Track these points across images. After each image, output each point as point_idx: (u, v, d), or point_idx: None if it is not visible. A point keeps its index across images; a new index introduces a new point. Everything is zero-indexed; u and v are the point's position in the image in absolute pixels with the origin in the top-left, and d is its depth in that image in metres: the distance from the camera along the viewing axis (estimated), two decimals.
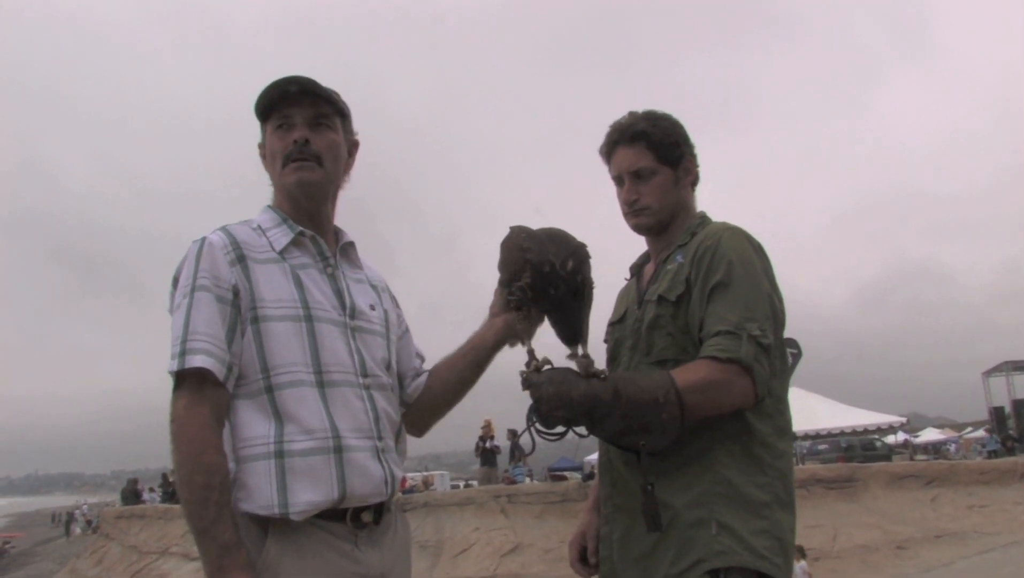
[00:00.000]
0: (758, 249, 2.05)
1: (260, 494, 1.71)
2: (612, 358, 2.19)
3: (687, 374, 1.88)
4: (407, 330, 2.15)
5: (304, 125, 1.90)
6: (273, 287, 1.82)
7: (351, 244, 2.04)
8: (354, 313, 1.92)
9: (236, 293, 1.78)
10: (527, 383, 1.82)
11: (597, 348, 1.98)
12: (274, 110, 1.92)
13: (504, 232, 2.02)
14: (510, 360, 1.89)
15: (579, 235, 1.99)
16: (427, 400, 2.11)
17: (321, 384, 1.80)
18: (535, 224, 1.99)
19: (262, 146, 1.98)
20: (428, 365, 2.18)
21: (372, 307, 1.99)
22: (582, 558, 2.19)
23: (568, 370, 1.83)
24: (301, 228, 1.91)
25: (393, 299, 2.14)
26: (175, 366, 1.71)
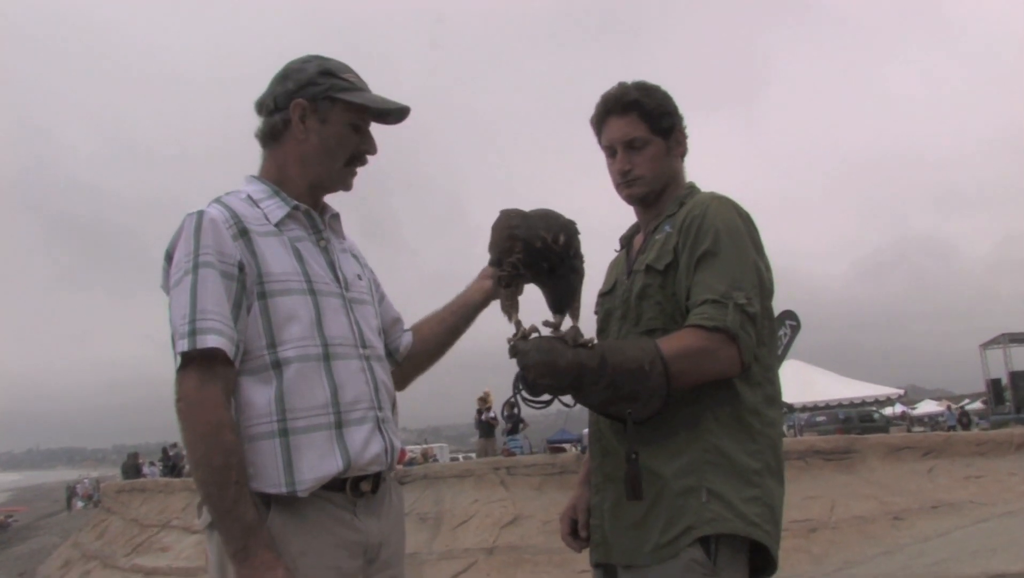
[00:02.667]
0: (745, 218, 2.04)
1: (267, 474, 1.72)
2: (602, 328, 2.19)
3: (673, 342, 1.88)
4: (384, 295, 2.17)
5: (371, 135, 1.97)
6: (278, 260, 1.82)
7: (336, 216, 2.04)
8: (347, 285, 1.93)
9: (242, 268, 1.76)
10: (514, 351, 1.82)
11: (587, 319, 1.98)
12: (362, 109, 1.93)
13: (507, 207, 2.01)
14: (511, 330, 1.90)
15: (575, 207, 1.98)
16: (414, 355, 2.17)
17: (327, 357, 1.80)
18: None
19: (310, 107, 1.90)
20: (409, 322, 2.23)
21: (359, 277, 2.00)
22: (573, 531, 2.20)
23: (555, 339, 1.83)
24: (296, 202, 1.90)
25: (368, 267, 2.14)
26: (185, 346, 1.68)
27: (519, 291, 1.97)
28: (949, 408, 33.60)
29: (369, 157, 1.99)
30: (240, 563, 1.61)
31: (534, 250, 1.86)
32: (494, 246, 1.93)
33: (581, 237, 1.90)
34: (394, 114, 1.96)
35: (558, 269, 1.89)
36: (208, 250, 1.74)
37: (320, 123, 1.90)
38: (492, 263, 1.96)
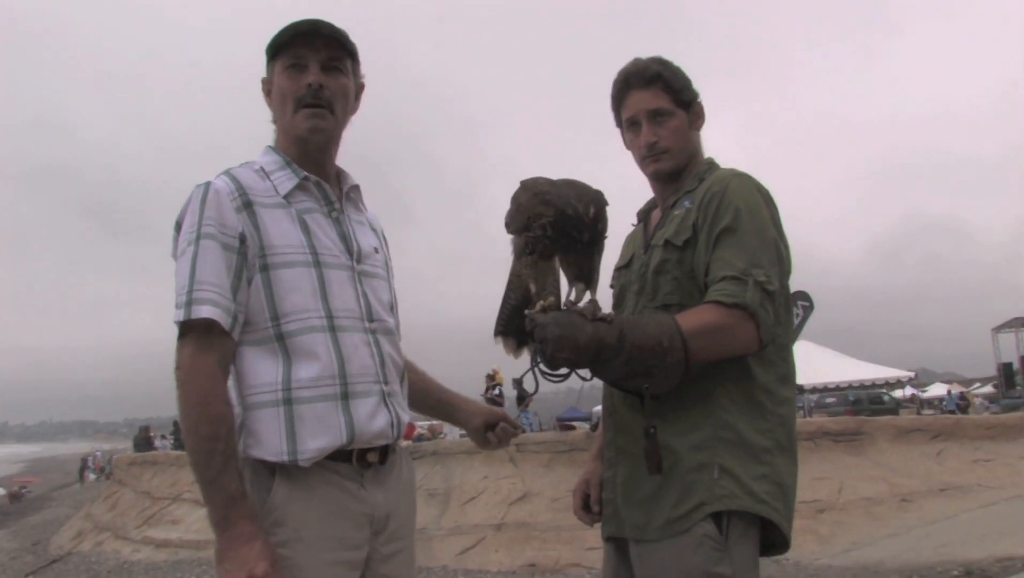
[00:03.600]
0: (766, 196, 2.03)
1: (269, 441, 1.73)
2: (618, 303, 2.19)
3: (692, 318, 1.87)
4: (392, 275, 2.13)
5: (317, 68, 1.88)
6: (281, 233, 1.82)
7: (356, 187, 2.03)
8: (360, 257, 1.92)
9: (243, 240, 1.78)
10: (532, 323, 1.81)
11: (603, 293, 1.97)
12: (286, 49, 1.88)
13: (527, 177, 1.99)
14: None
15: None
16: None
17: (332, 329, 1.81)
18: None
19: (267, 81, 1.95)
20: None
21: (376, 250, 1.99)
22: (585, 505, 2.21)
23: (574, 312, 1.82)
24: (306, 173, 1.90)
25: (386, 242, 2.13)
26: (181, 316, 1.71)
27: (543, 261, 1.96)
28: (949, 392, 33.58)
29: (313, 85, 1.87)
30: (220, 533, 1.63)
31: (565, 217, 1.85)
32: (521, 212, 1.91)
33: (608, 208, 1.89)
34: (303, 31, 1.88)
35: (585, 241, 1.88)
36: (211, 222, 1.76)
37: (273, 89, 1.93)
38: (517, 230, 1.95)
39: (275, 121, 1.97)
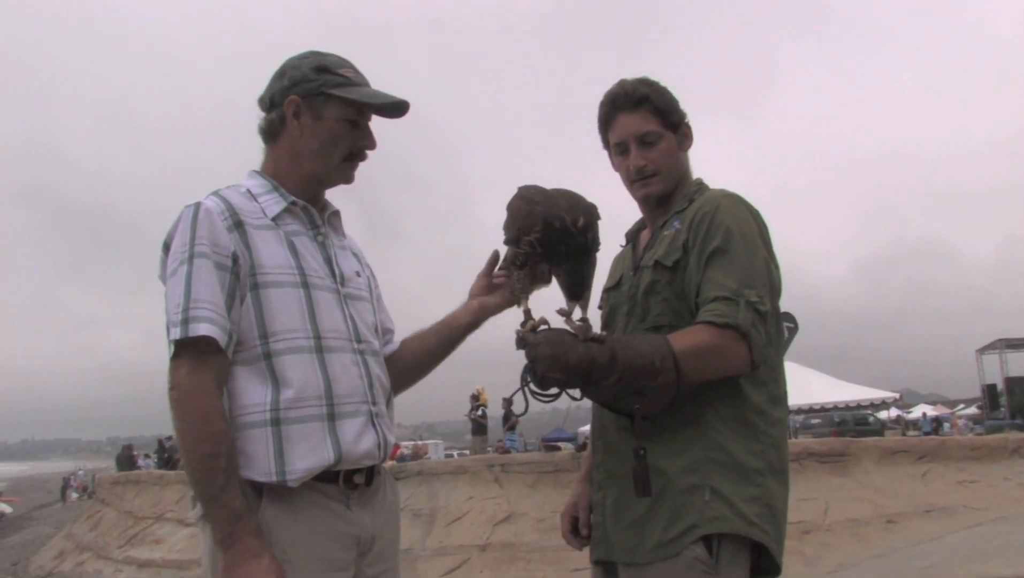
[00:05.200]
0: (756, 216, 2.04)
1: (258, 462, 1.73)
2: (607, 324, 2.19)
3: (684, 339, 1.87)
4: (379, 297, 2.15)
5: (371, 132, 1.96)
6: (271, 253, 1.83)
7: (336, 213, 2.05)
8: (344, 280, 1.94)
9: (235, 260, 1.78)
10: (523, 342, 1.81)
11: (593, 314, 1.97)
12: (355, 104, 1.92)
13: (526, 183, 1.99)
14: (505, 328, 1.88)
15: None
16: (395, 371, 2.09)
17: (320, 349, 1.81)
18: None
19: (301, 106, 1.91)
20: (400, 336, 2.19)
21: (358, 273, 2.01)
22: (574, 529, 2.20)
23: (565, 332, 1.81)
24: (294, 198, 1.92)
25: (369, 267, 2.14)
26: (178, 334, 1.70)
27: (534, 275, 1.96)
28: (924, 415, 33.94)
29: (369, 152, 1.98)
30: (226, 550, 1.63)
31: (553, 230, 1.85)
32: (512, 221, 1.92)
33: (600, 223, 1.89)
34: (390, 108, 1.94)
35: (576, 254, 1.87)
36: (203, 241, 1.76)
37: (314, 120, 1.91)
38: (508, 241, 1.96)
39: (287, 144, 1.95)
